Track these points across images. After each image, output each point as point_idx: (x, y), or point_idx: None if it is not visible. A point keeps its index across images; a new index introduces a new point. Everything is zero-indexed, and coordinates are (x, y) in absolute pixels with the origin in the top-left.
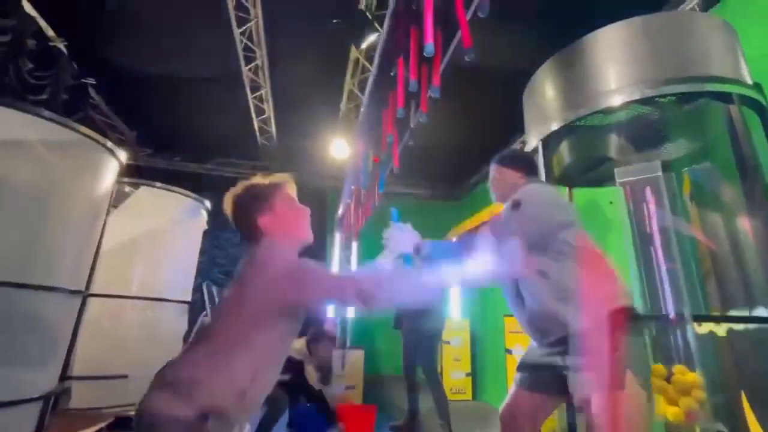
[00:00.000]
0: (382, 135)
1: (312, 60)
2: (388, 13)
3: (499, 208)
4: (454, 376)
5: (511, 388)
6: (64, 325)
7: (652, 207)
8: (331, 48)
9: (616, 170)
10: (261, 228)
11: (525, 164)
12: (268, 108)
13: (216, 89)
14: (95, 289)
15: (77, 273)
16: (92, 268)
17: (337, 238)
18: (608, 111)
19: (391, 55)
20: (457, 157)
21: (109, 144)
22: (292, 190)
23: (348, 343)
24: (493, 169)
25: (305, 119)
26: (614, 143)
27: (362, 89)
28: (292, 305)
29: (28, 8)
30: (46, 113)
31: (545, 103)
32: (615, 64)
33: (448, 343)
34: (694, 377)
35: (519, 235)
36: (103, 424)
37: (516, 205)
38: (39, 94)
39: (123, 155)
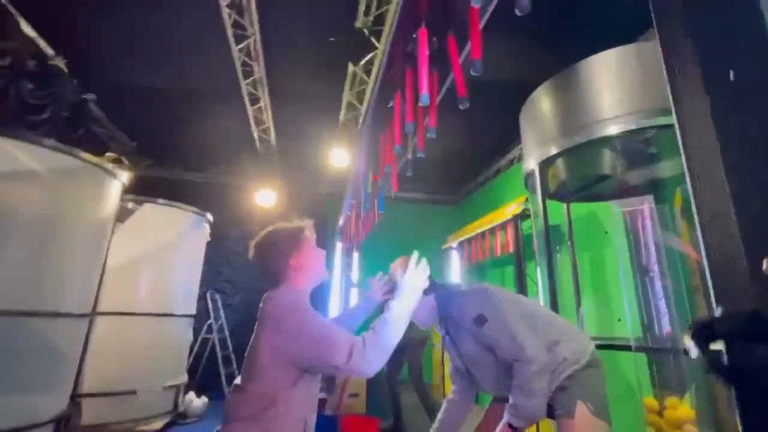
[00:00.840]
0: (380, 161)
1: (310, 73)
2: (383, 55)
3: (498, 215)
4: None
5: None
6: (73, 347)
7: (646, 230)
8: (328, 62)
9: (611, 203)
10: (291, 267)
11: (432, 287)
12: (267, 118)
13: (216, 100)
14: (102, 306)
15: (85, 296)
16: (98, 289)
17: (339, 246)
18: (605, 140)
19: (390, 81)
20: (456, 164)
21: (110, 166)
22: (312, 232)
23: None
24: None
25: (304, 128)
26: (610, 162)
27: (360, 100)
28: (309, 364)
29: (27, 29)
30: (48, 142)
31: (542, 126)
32: (610, 92)
33: None
34: (686, 411)
35: (509, 342)
36: None
37: (481, 320)
38: (41, 114)
39: (124, 176)
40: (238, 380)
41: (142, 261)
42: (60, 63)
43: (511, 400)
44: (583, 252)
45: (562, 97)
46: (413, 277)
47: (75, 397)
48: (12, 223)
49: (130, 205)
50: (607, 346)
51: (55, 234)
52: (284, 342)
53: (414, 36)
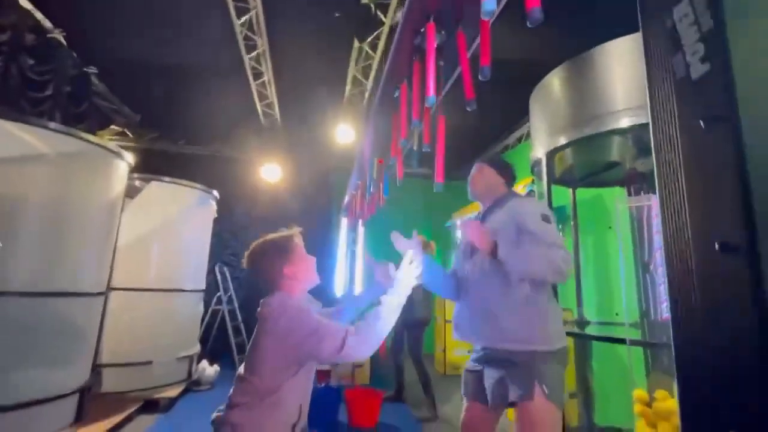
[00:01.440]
0: (388, 153)
1: (315, 47)
2: (393, 41)
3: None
4: (457, 353)
5: (465, 400)
6: (92, 324)
7: (651, 223)
8: (333, 37)
9: (616, 198)
10: (285, 276)
11: (510, 174)
12: (271, 93)
13: (218, 74)
14: (116, 282)
15: (99, 275)
16: (111, 266)
17: (344, 222)
18: (615, 132)
19: (396, 75)
20: (463, 140)
21: (116, 148)
22: (300, 240)
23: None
24: (481, 167)
25: (309, 103)
26: (620, 151)
27: (366, 75)
28: (306, 357)
29: (24, 2)
30: (53, 125)
31: (552, 115)
32: (623, 82)
33: (450, 321)
34: (674, 403)
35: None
36: (133, 408)
37: (547, 220)
38: (43, 91)
39: (131, 157)
40: (241, 369)
41: (150, 238)
42: (59, 36)
43: (523, 251)
44: (587, 235)
45: (573, 85)
46: (407, 273)
47: (95, 367)
48: (26, 207)
49: (137, 182)
50: (603, 338)
51: (68, 216)
52: (280, 341)
53: (422, 30)
